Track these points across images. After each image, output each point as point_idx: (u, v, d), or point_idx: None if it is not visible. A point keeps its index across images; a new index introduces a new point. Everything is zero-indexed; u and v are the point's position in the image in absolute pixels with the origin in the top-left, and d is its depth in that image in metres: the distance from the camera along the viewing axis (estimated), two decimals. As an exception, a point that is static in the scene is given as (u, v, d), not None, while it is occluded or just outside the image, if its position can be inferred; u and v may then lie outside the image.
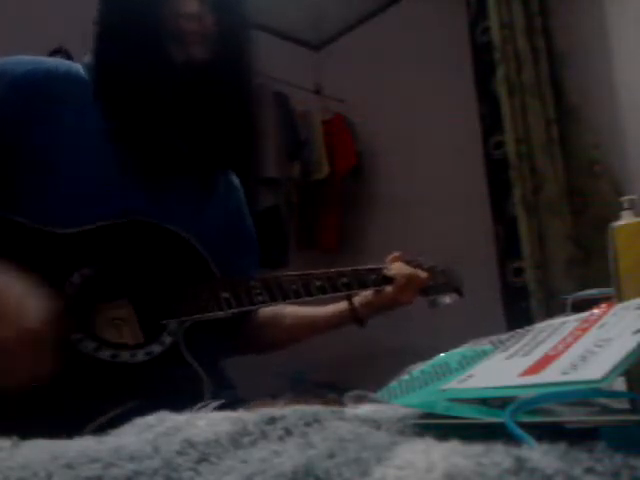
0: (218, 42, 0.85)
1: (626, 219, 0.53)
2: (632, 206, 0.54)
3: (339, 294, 0.96)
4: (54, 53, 2.08)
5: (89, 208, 0.80)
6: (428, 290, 1.07)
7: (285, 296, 0.89)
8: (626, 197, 0.55)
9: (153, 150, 0.86)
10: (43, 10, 2.10)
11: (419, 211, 2.68)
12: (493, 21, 2.15)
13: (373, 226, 2.95)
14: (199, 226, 0.89)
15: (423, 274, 1.03)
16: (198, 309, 0.82)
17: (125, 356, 0.75)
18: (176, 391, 0.76)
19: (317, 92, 3.08)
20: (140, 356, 0.76)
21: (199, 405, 0.74)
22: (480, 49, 2.27)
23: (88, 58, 0.89)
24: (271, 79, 2.68)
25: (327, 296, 0.94)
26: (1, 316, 0.64)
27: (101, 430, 0.57)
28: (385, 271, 1.01)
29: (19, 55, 0.86)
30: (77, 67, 0.89)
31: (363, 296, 1.02)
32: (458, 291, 1.13)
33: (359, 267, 1.00)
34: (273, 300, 0.88)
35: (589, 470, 0.25)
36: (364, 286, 0.98)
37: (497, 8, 2.14)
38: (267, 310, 1.02)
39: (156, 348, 0.78)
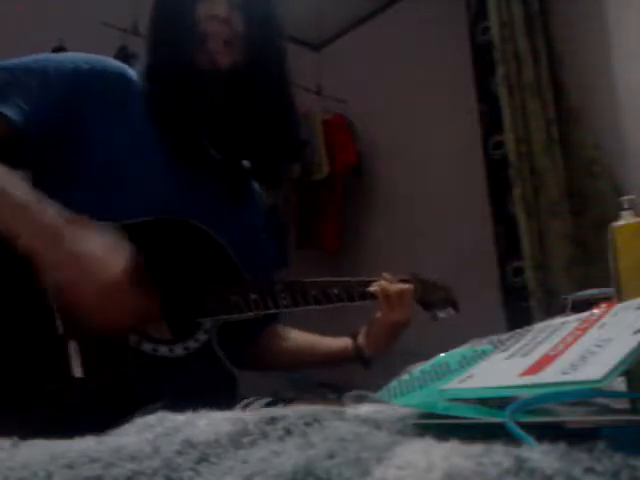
0: (248, 48, 0.87)
1: (626, 219, 0.53)
2: (632, 206, 0.54)
3: (334, 304, 0.97)
4: (54, 53, 2.08)
5: (131, 204, 0.82)
6: (429, 304, 1.10)
7: (306, 301, 0.92)
8: (626, 197, 0.55)
9: (190, 154, 0.89)
10: (43, 10, 2.10)
11: (419, 211, 2.67)
12: (493, 21, 2.15)
13: (373, 226, 2.94)
14: (227, 231, 0.91)
15: (405, 287, 1.02)
16: (231, 309, 0.85)
17: (164, 350, 0.78)
18: (212, 386, 0.79)
19: (317, 92, 3.08)
20: (178, 351, 0.79)
21: (244, 402, 0.77)
22: (480, 49, 2.26)
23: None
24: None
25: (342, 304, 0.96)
26: (85, 268, 0.67)
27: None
28: (368, 287, 1.01)
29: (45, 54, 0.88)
30: (131, 72, 0.91)
31: (364, 332, 1.01)
32: (454, 305, 1.15)
33: (350, 279, 1.01)
34: (296, 305, 0.91)
35: (589, 470, 0.25)
36: (351, 299, 0.99)
37: (497, 8, 2.14)
38: (274, 330, 1.04)
39: (192, 344, 0.80)
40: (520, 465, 0.25)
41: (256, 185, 1.07)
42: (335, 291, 0.95)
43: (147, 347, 0.77)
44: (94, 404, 0.70)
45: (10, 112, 0.77)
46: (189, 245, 0.85)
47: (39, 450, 0.33)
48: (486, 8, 2.18)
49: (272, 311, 0.89)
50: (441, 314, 1.13)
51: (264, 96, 0.90)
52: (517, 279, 2.10)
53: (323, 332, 1.08)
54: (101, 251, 0.69)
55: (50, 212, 0.69)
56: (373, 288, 1.00)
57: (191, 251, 0.85)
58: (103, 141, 0.84)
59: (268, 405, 0.74)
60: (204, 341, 0.82)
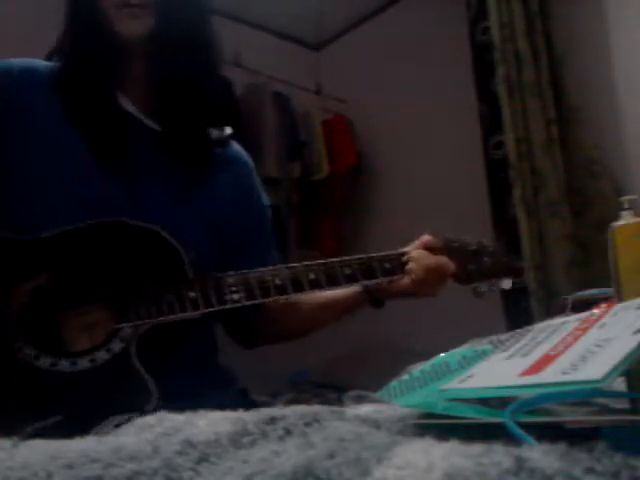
0: (162, 10, 0.80)
1: (626, 219, 0.53)
2: (632, 206, 0.54)
3: (334, 287, 0.88)
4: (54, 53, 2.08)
5: (68, 212, 0.77)
6: (472, 277, 0.94)
7: (265, 293, 0.82)
8: (626, 197, 0.55)
9: (120, 132, 0.82)
10: (43, 10, 2.10)
11: (419, 211, 2.67)
12: (493, 21, 2.15)
13: (373, 226, 2.94)
14: (190, 212, 0.85)
15: (451, 265, 0.91)
16: (157, 312, 0.76)
17: (64, 365, 0.71)
18: (118, 399, 0.72)
19: (317, 92, 3.08)
20: (82, 364, 0.72)
21: (109, 420, 0.68)
22: (480, 49, 2.26)
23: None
24: (271, 79, 2.68)
25: (321, 289, 0.86)
26: None
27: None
28: (405, 259, 0.90)
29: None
30: (37, 63, 0.87)
31: (378, 285, 0.92)
32: (515, 271, 0.98)
33: (374, 255, 0.89)
34: (251, 298, 0.81)
35: (589, 470, 0.25)
36: (372, 277, 0.88)
37: (497, 8, 2.14)
38: (280, 300, 0.91)
39: (102, 355, 0.73)
40: (520, 465, 0.25)
41: (237, 150, 1.00)
42: (311, 275, 0.85)
43: (44, 362, 0.71)
44: None
45: None
46: (126, 245, 0.78)
47: (39, 450, 0.33)
48: (486, 8, 2.18)
49: (215, 309, 0.79)
50: (495, 285, 0.95)
51: (185, 61, 0.84)
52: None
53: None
54: None
55: None
56: (408, 265, 0.90)
57: (129, 253, 0.78)
58: (22, 152, 0.79)
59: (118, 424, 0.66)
60: (117, 351, 0.73)
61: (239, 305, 0.80)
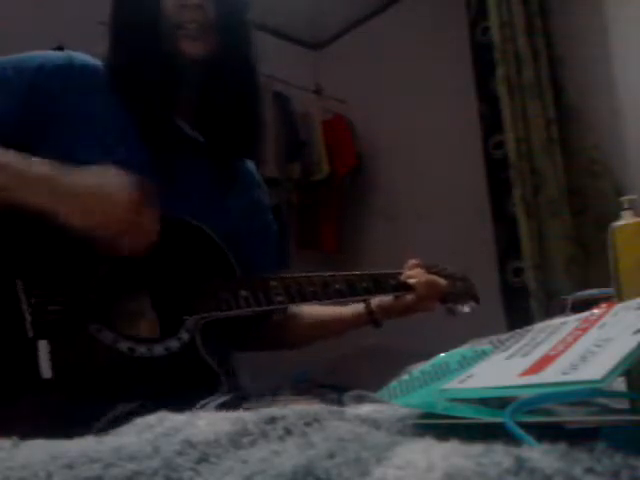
0: (219, 34, 0.87)
1: (626, 219, 0.53)
2: (632, 206, 0.54)
3: (357, 298, 0.97)
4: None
5: None
6: (447, 297, 1.07)
7: (303, 298, 0.89)
8: (626, 197, 0.55)
9: (170, 140, 0.88)
10: (43, 10, 2.10)
11: (419, 211, 2.68)
12: (493, 21, 2.15)
13: (373, 226, 2.94)
14: (220, 218, 0.90)
15: (443, 282, 1.03)
16: (217, 307, 0.82)
17: (142, 350, 0.75)
18: (191, 388, 0.77)
19: (317, 92, 3.08)
20: (158, 351, 0.77)
21: (202, 402, 0.74)
22: (480, 49, 2.27)
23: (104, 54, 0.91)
24: (271, 79, 2.68)
25: (344, 300, 0.95)
26: (107, 193, 0.72)
27: (113, 423, 0.59)
28: (405, 278, 1.00)
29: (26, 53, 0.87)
30: (95, 62, 0.90)
31: (381, 300, 1.01)
32: (476, 299, 1.13)
33: (377, 272, 1.00)
34: (291, 301, 0.88)
35: (589, 470, 0.25)
36: (383, 292, 0.99)
37: (497, 8, 2.14)
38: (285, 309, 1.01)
39: (174, 344, 0.78)
40: (520, 465, 0.25)
41: (251, 166, 1.07)
42: (337, 286, 0.93)
43: (123, 346, 0.75)
44: (65, 404, 0.69)
45: None
46: (182, 243, 0.84)
47: (39, 450, 0.33)
48: (486, 8, 2.18)
49: (264, 309, 0.86)
50: (461, 309, 1.09)
51: (236, 80, 0.91)
52: (517, 279, 2.10)
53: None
54: (104, 179, 0.73)
55: (39, 166, 0.73)
56: (412, 280, 1.00)
57: (184, 249, 0.84)
58: (74, 141, 0.83)
59: (224, 404, 0.73)
60: (186, 340, 0.79)
61: (283, 307, 0.89)
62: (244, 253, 0.93)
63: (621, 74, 2.05)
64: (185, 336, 0.79)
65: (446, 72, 2.55)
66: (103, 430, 0.66)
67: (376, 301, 1.01)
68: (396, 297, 1.00)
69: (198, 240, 0.86)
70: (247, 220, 0.99)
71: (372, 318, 1.01)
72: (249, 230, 0.99)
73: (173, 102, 0.89)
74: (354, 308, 1.03)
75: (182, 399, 0.72)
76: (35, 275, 0.73)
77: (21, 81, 0.82)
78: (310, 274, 0.92)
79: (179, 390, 0.75)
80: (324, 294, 0.91)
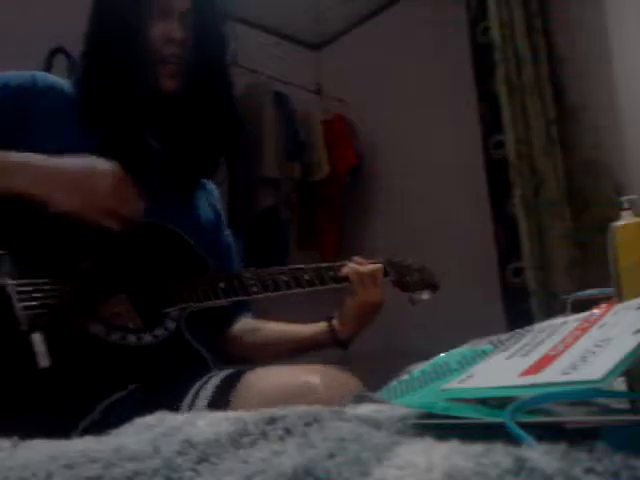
0: (196, 72, 0.91)
1: (626, 219, 0.53)
2: (632, 206, 0.54)
3: (326, 287, 1.01)
4: (54, 53, 2.08)
5: None
6: (406, 287, 1.12)
7: (276, 287, 0.94)
8: (626, 197, 0.55)
9: (141, 161, 0.90)
10: (43, 10, 2.10)
11: (419, 211, 2.67)
12: (493, 21, 2.15)
13: (373, 226, 2.94)
14: (186, 225, 0.94)
15: (375, 266, 1.04)
16: (196, 298, 0.87)
17: (132, 339, 0.79)
18: (184, 372, 0.81)
19: (317, 92, 3.08)
20: (147, 339, 0.80)
21: (204, 379, 0.78)
22: (480, 49, 2.26)
23: (74, 74, 0.93)
24: (271, 79, 2.68)
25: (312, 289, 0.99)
26: (95, 172, 0.76)
27: (109, 411, 0.61)
28: (340, 271, 1.03)
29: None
30: (61, 83, 0.91)
31: (338, 315, 1.02)
32: (434, 287, 1.15)
33: (322, 265, 1.04)
34: (266, 291, 0.93)
35: (589, 470, 0.25)
36: (324, 283, 1.01)
37: (497, 8, 2.14)
38: (244, 323, 1.06)
39: (161, 332, 0.82)
40: (520, 465, 0.25)
41: (210, 186, 1.11)
42: (306, 276, 0.97)
43: (115, 337, 0.78)
44: (62, 393, 0.71)
45: None
46: (157, 243, 0.88)
47: (39, 450, 0.33)
48: (486, 8, 2.18)
49: (241, 298, 0.91)
50: (419, 296, 1.13)
51: (205, 115, 0.95)
52: (517, 279, 2.10)
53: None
54: (88, 162, 0.77)
55: (21, 155, 0.75)
56: (345, 270, 1.02)
57: (159, 249, 0.88)
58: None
59: (226, 377, 0.77)
60: (173, 329, 0.83)
61: (260, 296, 0.93)
62: (208, 254, 0.95)
63: (621, 74, 2.05)
64: (171, 325, 0.83)
65: (446, 72, 2.55)
66: (102, 415, 0.69)
67: (335, 320, 1.02)
68: (342, 305, 1.02)
69: (171, 241, 0.90)
70: (210, 231, 1.03)
71: (334, 336, 1.02)
72: (213, 239, 1.02)
73: (142, 125, 0.91)
74: (315, 326, 1.04)
75: (174, 383, 0.77)
76: (21, 268, 0.75)
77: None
78: (279, 267, 0.98)
79: (171, 375, 0.79)
80: (296, 283, 0.96)
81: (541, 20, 2.18)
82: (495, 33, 2.13)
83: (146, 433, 0.37)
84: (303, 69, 3.10)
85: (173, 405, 0.72)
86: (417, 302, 1.14)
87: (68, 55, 2.08)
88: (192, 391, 0.76)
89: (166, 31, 0.88)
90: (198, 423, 0.38)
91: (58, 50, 2.08)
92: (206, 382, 0.78)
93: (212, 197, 1.10)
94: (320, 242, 2.90)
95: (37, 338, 0.70)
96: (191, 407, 0.73)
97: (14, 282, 0.73)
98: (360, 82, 2.95)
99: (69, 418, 0.70)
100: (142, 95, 0.88)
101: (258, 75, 2.66)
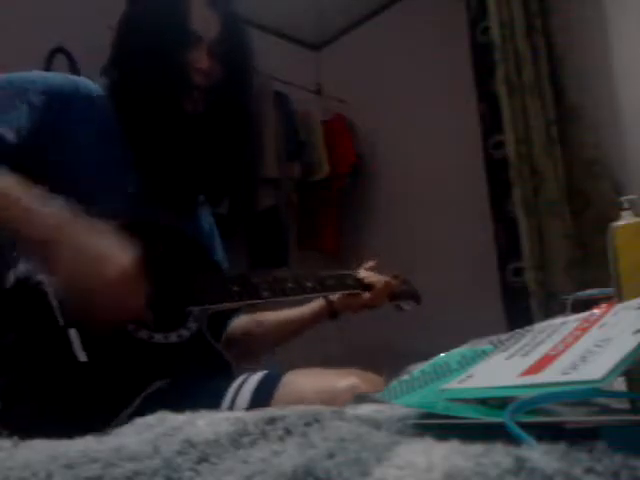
0: (222, 96, 0.93)
1: (626, 219, 0.53)
2: (632, 206, 0.54)
3: (326, 294, 1.08)
4: (54, 53, 2.08)
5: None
6: (396, 296, 1.23)
7: (284, 292, 0.97)
8: (626, 197, 0.55)
9: (167, 179, 0.93)
10: (43, 10, 2.10)
11: (419, 211, 2.67)
12: (493, 21, 2.15)
13: (373, 226, 2.94)
14: (194, 231, 0.98)
15: (394, 281, 1.18)
16: (219, 299, 0.89)
17: (159, 337, 0.80)
18: (208, 371, 0.84)
19: (317, 92, 3.08)
20: (172, 338, 0.82)
21: (238, 381, 0.80)
22: (480, 49, 2.26)
23: (106, 84, 0.93)
24: (271, 79, 2.68)
25: (317, 295, 1.06)
26: (102, 259, 0.70)
27: (142, 406, 0.62)
28: (363, 277, 1.13)
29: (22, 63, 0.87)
30: (99, 90, 0.92)
31: (338, 297, 1.11)
32: (417, 298, 1.29)
33: (339, 272, 1.13)
34: (274, 296, 0.95)
35: (589, 470, 0.25)
36: (346, 289, 1.11)
37: (497, 8, 2.14)
38: (242, 321, 1.09)
39: (185, 332, 0.83)
40: (520, 465, 0.25)
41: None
42: (309, 284, 1.02)
43: (143, 334, 0.79)
44: (100, 387, 0.72)
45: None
46: (172, 244, 0.89)
47: (39, 450, 0.33)
48: (486, 8, 2.18)
49: (254, 302, 0.93)
50: (405, 306, 1.27)
51: (224, 138, 0.96)
52: (517, 279, 2.10)
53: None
54: (105, 245, 0.72)
55: (51, 211, 0.71)
56: (370, 279, 1.13)
57: (174, 249, 0.89)
58: (72, 160, 0.85)
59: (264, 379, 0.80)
60: (195, 329, 0.85)
61: (271, 300, 0.96)
62: None
63: (621, 74, 2.05)
64: (193, 326, 0.85)
65: (446, 72, 2.55)
66: (139, 407, 0.69)
67: (336, 295, 1.11)
68: (354, 295, 1.11)
69: (184, 243, 0.92)
70: (209, 238, 1.07)
71: (331, 309, 1.11)
72: (212, 246, 1.06)
73: (176, 144, 0.93)
74: (313, 303, 1.12)
75: (201, 382, 0.79)
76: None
77: (26, 103, 0.83)
78: (284, 273, 1.02)
79: (197, 374, 0.81)
80: (300, 289, 1.00)
81: (541, 20, 2.18)
82: (495, 33, 2.13)
83: (146, 433, 0.37)
84: (303, 69, 3.10)
85: (209, 405, 0.73)
86: (403, 310, 1.26)
87: (68, 55, 2.09)
88: (229, 394, 0.78)
89: (194, 59, 0.89)
90: (198, 423, 0.38)
91: (58, 50, 2.08)
92: (242, 384, 0.79)
93: (207, 214, 1.13)
94: (320, 242, 2.90)
95: (73, 333, 0.71)
96: (231, 409, 0.75)
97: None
98: (360, 82, 2.95)
99: (108, 410, 0.71)
100: (171, 118, 0.90)
101: (258, 75, 2.66)
